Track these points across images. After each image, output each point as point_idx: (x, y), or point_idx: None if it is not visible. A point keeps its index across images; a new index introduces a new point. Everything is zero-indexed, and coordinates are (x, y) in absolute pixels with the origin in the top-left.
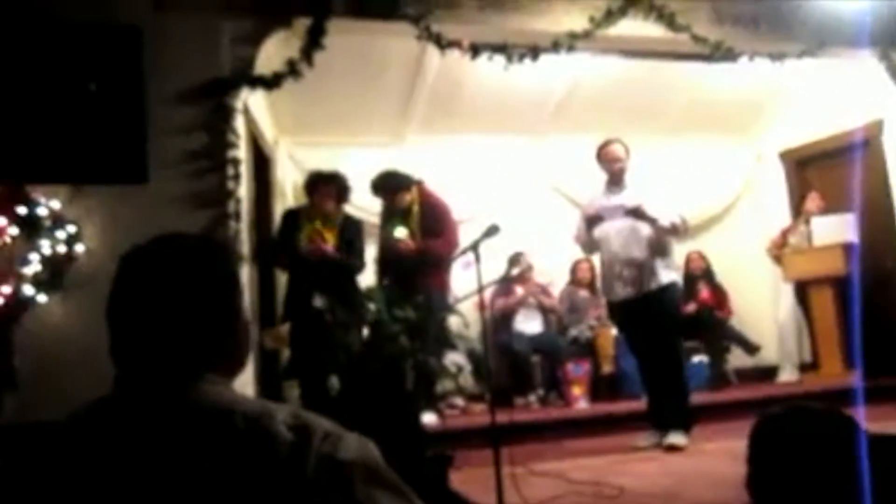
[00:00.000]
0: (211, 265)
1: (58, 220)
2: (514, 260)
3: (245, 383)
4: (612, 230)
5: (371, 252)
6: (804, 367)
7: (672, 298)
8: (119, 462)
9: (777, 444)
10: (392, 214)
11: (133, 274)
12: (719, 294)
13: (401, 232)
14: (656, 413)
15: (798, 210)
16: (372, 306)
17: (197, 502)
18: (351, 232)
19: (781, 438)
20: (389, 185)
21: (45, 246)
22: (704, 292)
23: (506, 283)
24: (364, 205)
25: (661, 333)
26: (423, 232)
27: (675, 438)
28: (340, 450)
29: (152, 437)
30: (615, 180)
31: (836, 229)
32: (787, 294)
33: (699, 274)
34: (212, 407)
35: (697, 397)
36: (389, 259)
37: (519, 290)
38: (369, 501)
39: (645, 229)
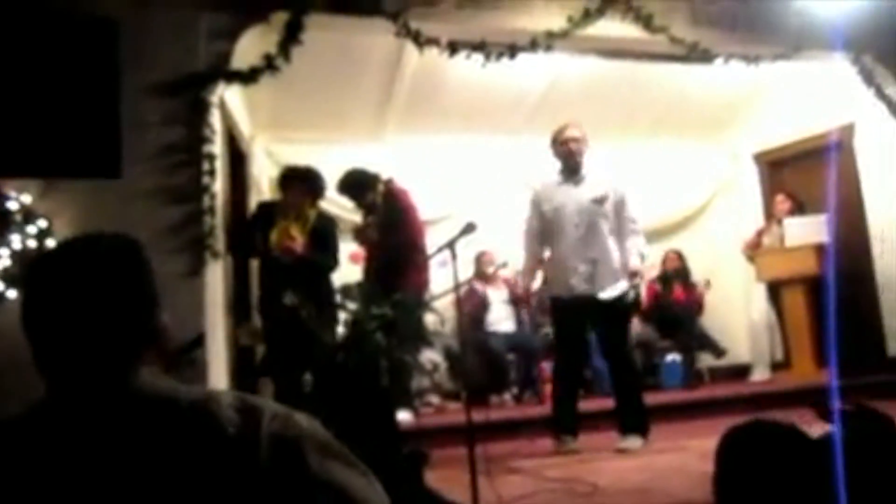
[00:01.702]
0: (122, 258)
1: (29, 215)
2: (479, 259)
3: (219, 379)
4: (570, 224)
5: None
6: (776, 366)
7: (627, 303)
8: (68, 460)
9: (739, 460)
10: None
11: (46, 278)
12: (692, 293)
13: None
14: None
15: (770, 212)
16: (350, 304)
17: (152, 492)
18: (324, 229)
19: (743, 454)
20: (354, 184)
21: (16, 241)
22: (678, 291)
23: (470, 285)
24: (342, 202)
25: (613, 337)
26: (383, 228)
27: (628, 443)
28: (290, 427)
29: (99, 430)
30: (572, 166)
31: (808, 230)
32: (760, 294)
33: (674, 273)
34: (155, 396)
35: (672, 395)
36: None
37: (487, 290)
38: (324, 472)
39: (605, 227)
